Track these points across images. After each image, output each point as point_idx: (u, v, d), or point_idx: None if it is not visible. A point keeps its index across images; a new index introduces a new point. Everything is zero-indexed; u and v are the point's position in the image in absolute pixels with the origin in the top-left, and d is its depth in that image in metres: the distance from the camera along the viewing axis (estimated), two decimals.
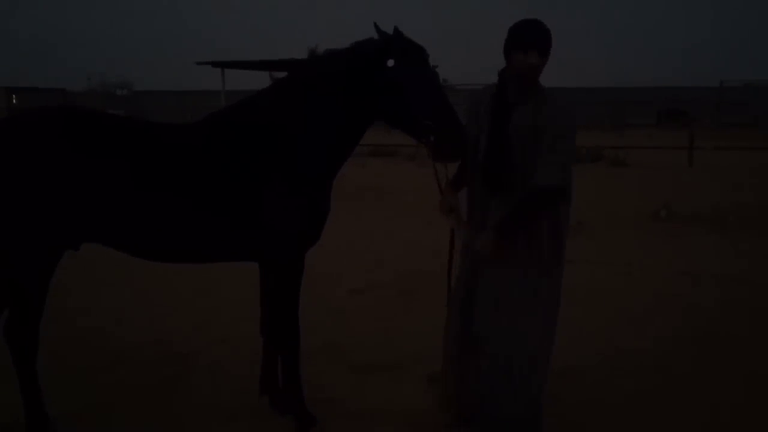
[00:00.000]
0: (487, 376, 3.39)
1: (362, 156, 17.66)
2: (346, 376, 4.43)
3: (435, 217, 3.65)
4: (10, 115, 3.43)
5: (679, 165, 17.15)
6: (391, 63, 3.28)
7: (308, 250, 3.63)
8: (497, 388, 3.37)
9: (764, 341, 5.05)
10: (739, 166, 16.34)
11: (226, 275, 5.80)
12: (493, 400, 3.39)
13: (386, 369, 4.52)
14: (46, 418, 3.46)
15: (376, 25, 3.33)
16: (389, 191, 12.89)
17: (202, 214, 3.33)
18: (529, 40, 3.14)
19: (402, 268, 7.09)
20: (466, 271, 3.50)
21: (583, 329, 5.12)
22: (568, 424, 3.79)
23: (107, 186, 3.19)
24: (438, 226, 3.62)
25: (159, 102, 49.05)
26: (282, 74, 3.66)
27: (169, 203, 3.29)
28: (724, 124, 38.05)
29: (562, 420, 3.79)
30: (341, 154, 3.57)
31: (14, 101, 48.45)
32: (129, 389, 4.22)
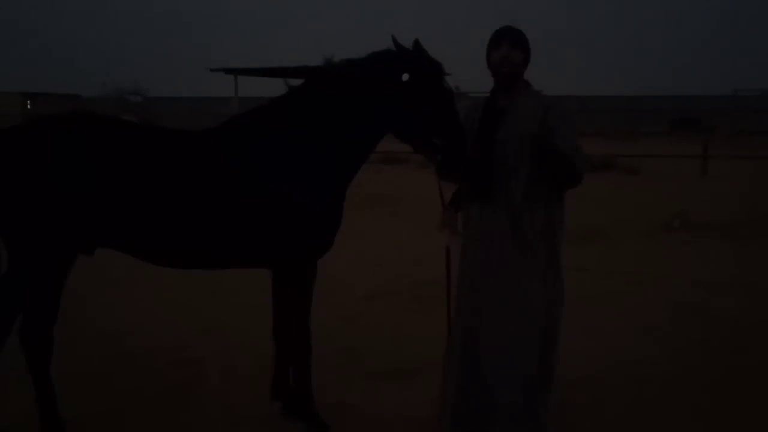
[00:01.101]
0: (492, 386, 3.38)
1: (375, 163, 17.67)
2: (359, 381, 4.43)
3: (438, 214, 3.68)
4: (24, 121, 3.46)
5: (692, 174, 17.04)
6: (405, 77, 3.25)
7: (321, 257, 3.63)
8: (503, 398, 3.36)
9: None
10: (753, 175, 16.21)
11: (238, 280, 5.81)
12: (498, 409, 3.38)
13: (399, 375, 4.52)
14: (60, 421, 3.48)
15: (393, 38, 3.30)
16: (402, 198, 12.88)
17: (217, 220, 3.35)
18: (498, 36, 3.35)
19: (415, 275, 7.09)
20: (465, 286, 3.51)
21: (596, 338, 5.10)
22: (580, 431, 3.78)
23: (121, 191, 3.21)
24: (437, 224, 3.65)
25: (172, 108, 49.31)
26: (297, 82, 3.66)
27: (182, 208, 3.30)
28: (739, 132, 37.82)
29: (574, 428, 3.77)
30: (354, 162, 3.58)
31: (29, 106, 48.89)
32: (141, 394, 4.24)
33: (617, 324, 5.56)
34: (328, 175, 3.48)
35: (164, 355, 4.85)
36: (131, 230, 3.31)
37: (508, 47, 3.30)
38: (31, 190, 3.13)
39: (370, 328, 5.47)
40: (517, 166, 3.28)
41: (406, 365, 4.67)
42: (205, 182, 3.34)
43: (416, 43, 3.29)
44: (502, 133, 3.31)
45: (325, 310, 4.88)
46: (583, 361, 4.53)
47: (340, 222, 3.63)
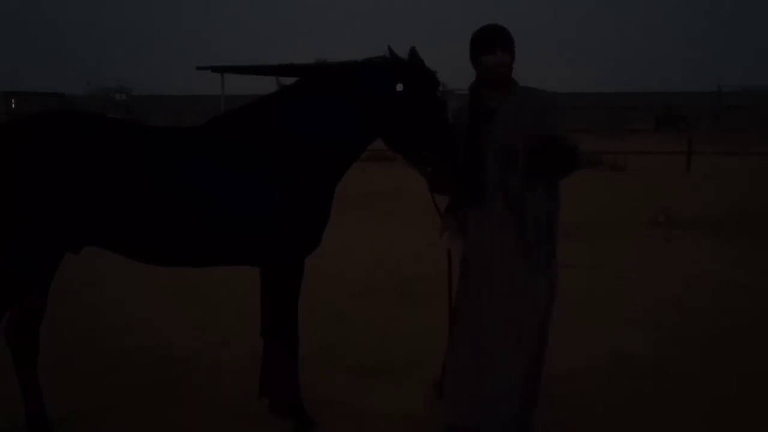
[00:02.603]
0: (487, 380, 3.42)
1: (361, 161, 17.62)
2: (346, 378, 4.45)
3: (434, 222, 3.68)
4: (15, 119, 3.46)
5: (677, 170, 17.17)
6: (399, 87, 3.24)
7: (309, 254, 3.65)
8: (496, 392, 3.40)
9: (761, 345, 5.07)
10: (737, 171, 16.36)
11: (227, 278, 5.82)
12: (492, 402, 3.42)
13: (385, 372, 4.54)
14: (46, 420, 3.48)
15: (389, 48, 3.29)
16: (389, 196, 12.90)
17: (206, 219, 3.35)
18: (494, 40, 3.32)
19: (402, 272, 7.11)
20: (466, 289, 3.52)
21: (582, 333, 5.14)
22: (566, 426, 3.81)
23: (111, 189, 3.21)
24: (438, 230, 3.65)
25: (158, 106, 49.02)
26: (288, 80, 3.65)
27: (172, 207, 3.30)
28: (723, 129, 38.08)
29: (560, 423, 3.81)
30: (345, 161, 3.59)
31: (13, 105, 48.44)
32: (129, 391, 4.24)
33: (603, 319, 5.60)
34: (316, 174, 3.48)
35: (152, 353, 4.85)
36: (118, 230, 3.31)
37: (502, 52, 3.29)
38: (16, 189, 3.13)
39: (357, 325, 5.49)
40: (516, 165, 3.30)
41: (393, 362, 4.69)
42: (194, 181, 3.34)
43: (412, 51, 3.29)
44: (495, 133, 3.32)
45: (313, 306, 4.88)
46: (569, 357, 4.56)
47: (328, 221, 3.64)
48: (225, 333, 5.25)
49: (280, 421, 3.80)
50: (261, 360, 3.91)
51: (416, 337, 5.04)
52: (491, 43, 3.30)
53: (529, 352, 3.39)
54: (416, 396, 4.16)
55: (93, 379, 4.41)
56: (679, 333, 5.31)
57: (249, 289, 4.24)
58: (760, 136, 29.63)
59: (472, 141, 3.37)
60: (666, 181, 14.93)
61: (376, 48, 3.38)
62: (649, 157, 19.24)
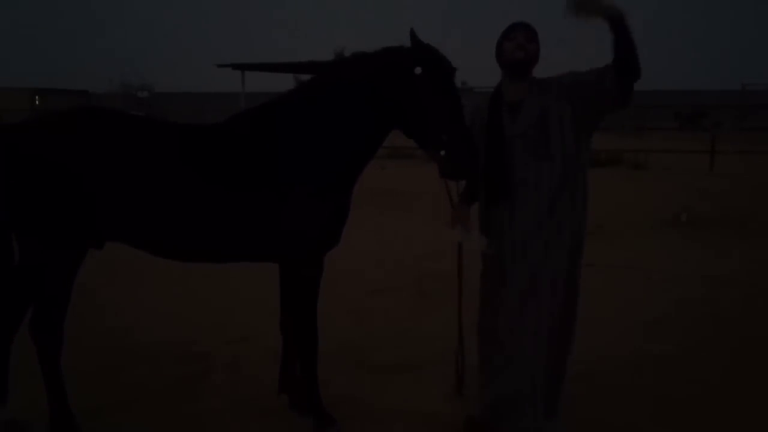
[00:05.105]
0: (512, 379, 3.42)
1: (380, 158, 17.64)
2: (365, 376, 4.45)
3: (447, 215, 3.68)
4: (36, 115, 3.50)
5: (699, 169, 16.99)
6: (418, 71, 3.27)
7: (328, 252, 3.65)
8: (521, 391, 3.41)
9: None
10: (760, 171, 16.15)
11: (246, 274, 5.85)
12: (516, 402, 3.43)
13: (404, 369, 4.55)
14: (70, 414, 3.51)
15: (412, 31, 3.29)
16: (407, 193, 12.90)
17: (224, 214, 3.37)
18: (513, 28, 3.39)
19: (421, 270, 7.11)
20: (493, 285, 3.51)
21: (603, 333, 5.10)
22: (587, 426, 3.79)
23: (132, 185, 3.24)
24: (449, 222, 3.63)
25: (179, 104, 49.41)
26: (306, 77, 3.67)
27: (191, 202, 3.33)
28: (746, 128, 37.63)
29: (581, 423, 3.79)
30: (363, 157, 3.59)
31: (37, 102, 49.07)
32: (149, 387, 4.28)
33: (622, 319, 5.56)
34: (337, 170, 3.49)
35: (172, 350, 4.89)
36: (139, 224, 3.35)
37: (524, 38, 3.33)
38: (40, 186, 3.17)
39: (376, 323, 5.49)
40: (550, 153, 3.29)
41: (411, 359, 4.70)
42: (213, 177, 3.36)
43: (427, 44, 3.31)
44: (521, 125, 3.32)
45: (332, 304, 4.90)
46: (588, 356, 4.53)
47: (347, 217, 3.65)
48: (244, 329, 5.27)
49: (300, 418, 3.81)
50: (280, 357, 3.93)
51: (435, 335, 5.03)
52: (513, 31, 3.36)
53: (555, 347, 3.42)
54: (435, 393, 4.15)
55: (112, 375, 4.46)
56: (701, 334, 5.25)
57: (268, 285, 4.26)
58: None
59: (495, 133, 3.36)
60: (689, 180, 14.78)
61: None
62: (672, 156, 19.07)
